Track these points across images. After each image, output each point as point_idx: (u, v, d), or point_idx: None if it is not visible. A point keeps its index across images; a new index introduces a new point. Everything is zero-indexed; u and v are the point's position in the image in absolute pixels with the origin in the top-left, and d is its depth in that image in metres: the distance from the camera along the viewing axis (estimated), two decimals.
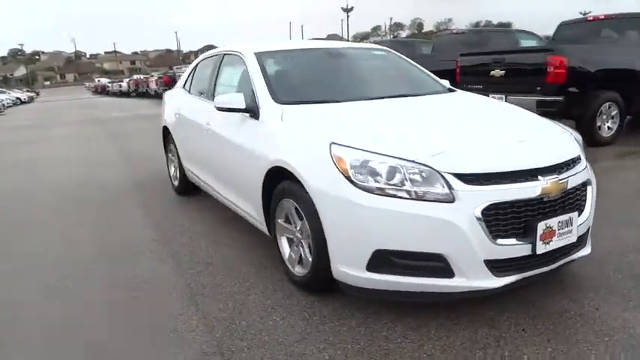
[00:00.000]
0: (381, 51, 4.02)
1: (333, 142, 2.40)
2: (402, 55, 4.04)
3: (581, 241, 2.51)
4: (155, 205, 4.71)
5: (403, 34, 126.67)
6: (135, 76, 37.05)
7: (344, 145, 2.36)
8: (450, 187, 2.16)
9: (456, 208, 2.14)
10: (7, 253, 3.68)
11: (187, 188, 4.86)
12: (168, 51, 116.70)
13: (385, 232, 2.21)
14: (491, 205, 2.16)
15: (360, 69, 3.77)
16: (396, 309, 2.48)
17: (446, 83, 3.80)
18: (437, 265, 2.19)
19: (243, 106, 3.12)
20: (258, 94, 3.14)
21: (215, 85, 3.94)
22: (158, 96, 23.63)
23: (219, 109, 3.21)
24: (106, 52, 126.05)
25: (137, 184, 5.67)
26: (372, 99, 3.13)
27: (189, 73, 4.73)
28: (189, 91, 4.62)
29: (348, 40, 65.04)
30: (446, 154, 2.25)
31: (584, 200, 2.54)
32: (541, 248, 2.24)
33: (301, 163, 2.51)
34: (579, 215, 2.44)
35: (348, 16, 63.15)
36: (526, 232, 2.24)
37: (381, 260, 2.23)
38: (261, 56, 3.44)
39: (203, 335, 2.37)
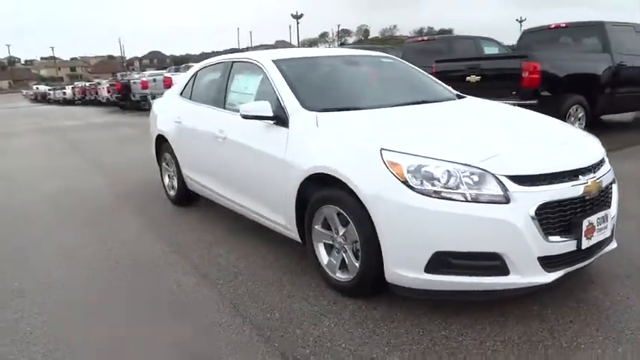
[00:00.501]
0: (389, 59, 4.12)
1: (384, 148, 2.46)
2: (408, 63, 4.16)
3: (612, 236, 2.69)
4: (155, 217, 4.57)
5: (350, 40, 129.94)
6: (80, 83, 35.53)
7: (397, 151, 2.42)
8: (504, 188, 2.27)
9: (512, 208, 2.25)
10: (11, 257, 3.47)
11: (185, 198, 4.76)
12: (110, 57, 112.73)
13: (444, 235, 2.28)
14: (543, 204, 2.28)
15: (376, 76, 3.85)
16: (444, 309, 2.56)
17: (451, 89, 3.94)
18: (493, 263, 2.29)
19: (270, 113, 3.11)
20: (285, 102, 3.14)
21: (226, 93, 3.90)
22: (110, 104, 22.86)
23: (245, 116, 3.19)
24: (42, 58, 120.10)
25: (125, 195, 5.47)
26: (397, 105, 3.21)
27: (189, 81, 4.64)
28: (190, 99, 4.53)
29: (297, 46, 65.47)
30: (498, 157, 2.35)
31: (612, 197, 2.72)
32: (585, 243, 2.39)
33: (351, 170, 2.54)
34: None
35: (298, 23, 63.45)
36: (571, 229, 2.37)
37: (440, 262, 2.30)
38: (280, 64, 3.45)
39: (262, 344, 2.35)
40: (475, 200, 2.27)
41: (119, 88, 20.15)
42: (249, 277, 3.13)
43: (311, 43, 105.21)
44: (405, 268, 2.39)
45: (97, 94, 25.31)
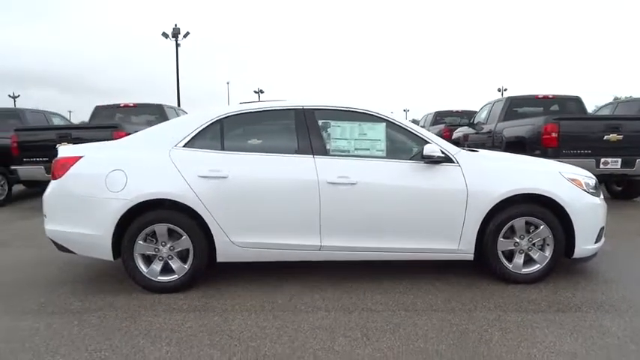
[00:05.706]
0: None
1: (561, 172, 3.82)
2: None
3: None
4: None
5: None
6: None
7: (571, 172, 3.88)
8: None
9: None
10: None
11: (198, 276, 3.74)
12: None
13: (603, 217, 3.89)
14: None
15: None
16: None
17: None
18: None
19: (442, 154, 3.69)
20: (443, 145, 3.81)
21: (324, 140, 3.83)
22: None
23: (427, 157, 3.66)
24: None
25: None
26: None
27: (203, 130, 3.83)
28: (221, 149, 3.76)
29: None
30: (586, 171, 4.14)
31: None
32: None
33: (552, 187, 3.70)
34: None
35: None
36: None
37: (600, 233, 3.87)
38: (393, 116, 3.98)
39: None
40: (597, 195, 3.94)
41: None
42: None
43: None
44: (587, 243, 3.79)
45: None
